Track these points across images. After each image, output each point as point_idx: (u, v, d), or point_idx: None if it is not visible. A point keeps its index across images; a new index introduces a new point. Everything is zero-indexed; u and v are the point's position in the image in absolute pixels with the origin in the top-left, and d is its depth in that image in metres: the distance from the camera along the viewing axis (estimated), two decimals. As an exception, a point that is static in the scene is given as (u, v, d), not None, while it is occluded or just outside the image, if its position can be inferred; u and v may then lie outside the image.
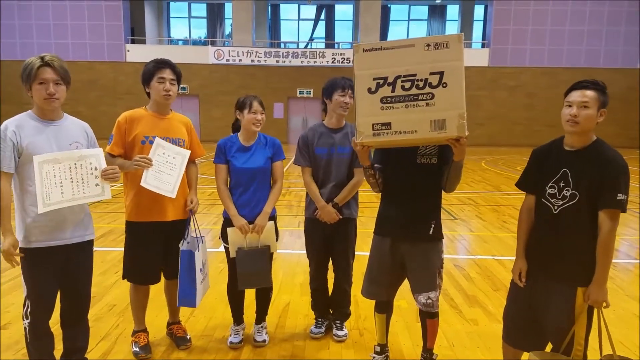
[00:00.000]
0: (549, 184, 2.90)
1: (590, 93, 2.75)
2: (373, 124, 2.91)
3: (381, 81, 2.88)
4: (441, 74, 2.79)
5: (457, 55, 2.79)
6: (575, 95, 2.79)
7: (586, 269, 2.78)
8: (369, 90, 2.90)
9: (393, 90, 2.87)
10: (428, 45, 2.81)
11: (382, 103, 2.88)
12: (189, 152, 3.78)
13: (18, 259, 2.98)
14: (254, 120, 3.87)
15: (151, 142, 3.63)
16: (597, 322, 2.83)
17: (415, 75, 2.83)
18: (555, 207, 2.87)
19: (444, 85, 2.79)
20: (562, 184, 2.84)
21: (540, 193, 2.98)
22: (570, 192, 2.80)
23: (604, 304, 2.78)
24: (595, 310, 2.83)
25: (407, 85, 2.85)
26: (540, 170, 3.00)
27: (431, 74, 2.80)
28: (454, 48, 2.78)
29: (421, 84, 2.82)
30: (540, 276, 2.98)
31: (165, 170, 3.59)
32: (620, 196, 2.67)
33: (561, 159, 2.89)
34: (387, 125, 2.89)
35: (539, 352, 2.96)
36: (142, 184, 3.48)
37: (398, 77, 2.85)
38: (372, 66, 2.89)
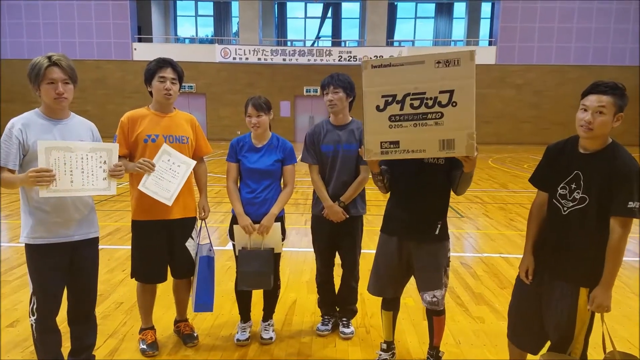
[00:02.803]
0: (561, 185, 2.87)
1: (607, 99, 2.66)
2: (381, 142, 2.89)
3: (390, 99, 2.85)
4: (451, 92, 2.75)
5: (468, 73, 2.73)
6: (592, 100, 2.69)
7: (590, 271, 2.76)
8: (377, 107, 2.88)
9: (402, 109, 2.84)
10: (438, 62, 2.76)
11: (390, 121, 2.86)
12: (195, 162, 3.78)
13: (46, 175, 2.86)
14: (250, 124, 3.88)
15: (153, 141, 3.65)
16: (598, 320, 2.83)
17: (424, 93, 2.79)
18: (565, 209, 2.84)
19: (454, 104, 2.75)
20: (573, 186, 2.81)
21: (551, 192, 2.94)
22: (581, 195, 2.77)
23: (606, 309, 2.75)
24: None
25: (416, 103, 2.81)
26: (553, 169, 2.96)
27: (441, 92, 2.76)
28: (465, 65, 2.73)
29: (430, 102, 2.79)
30: (546, 275, 2.97)
31: (166, 177, 3.60)
32: (631, 204, 2.61)
33: (574, 161, 2.83)
34: (396, 143, 2.87)
35: (546, 354, 2.95)
36: (140, 187, 3.51)
37: (407, 95, 2.82)
38: (381, 83, 2.86)
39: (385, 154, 2.91)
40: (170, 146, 3.65)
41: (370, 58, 2.99)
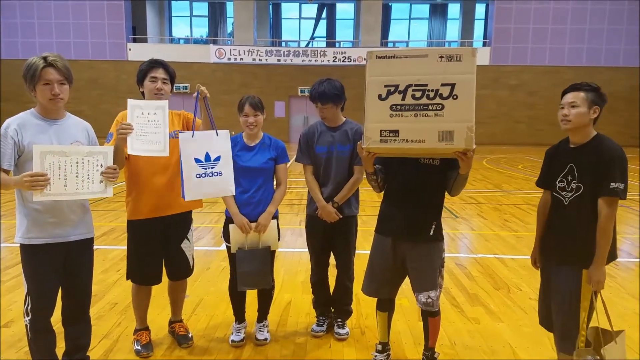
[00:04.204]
0: (559, 179, 3.13)
1: (578, 94, 3.01)
2: (381, 130, 2.93)
3: (392, 89, 2.90)
4: (452, 85, 2.82)
5: (469, 68, 2.82)
6: (567, 97, 3.06)
7: (591, 253, 2.97)
8: (380, 96, 2.92)
9: (403, 99, 2.89)
10: (441, 56, 2.84)
11: (391, 110, 2.91)
12: (167, 101, 3.59)
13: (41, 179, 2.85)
14: (245, 123, 3.88)
15: None
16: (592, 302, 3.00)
17: (426, 85, 2.85)
18: (566, 199, 3.09)
19: (455, 97, 2.82)
20: (569, 178, 3.07)
21: (552, 188, 3.21)
22: (577, 184, 3.03)
23: (602, 286, 2.98)
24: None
25: (418, 94, 2.87)
26: (551, 167, 3.24)
27: (442, 85, 2.83)
28: (467, 61, 2.81)
29: (432, 94, 2.85)
30: (554, 262, 3.20)
31: (150, 130, 3.41)
32: (614, 184, 2.87)
33: (567, 155, 3.12)
34: (395, 132, 2.91)
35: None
36: (130, 151, 3.34)
37: (409, 85, 2.88)
38: (384, 73, 2.92)
39: (384, 142, 2.94)
40: None
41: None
